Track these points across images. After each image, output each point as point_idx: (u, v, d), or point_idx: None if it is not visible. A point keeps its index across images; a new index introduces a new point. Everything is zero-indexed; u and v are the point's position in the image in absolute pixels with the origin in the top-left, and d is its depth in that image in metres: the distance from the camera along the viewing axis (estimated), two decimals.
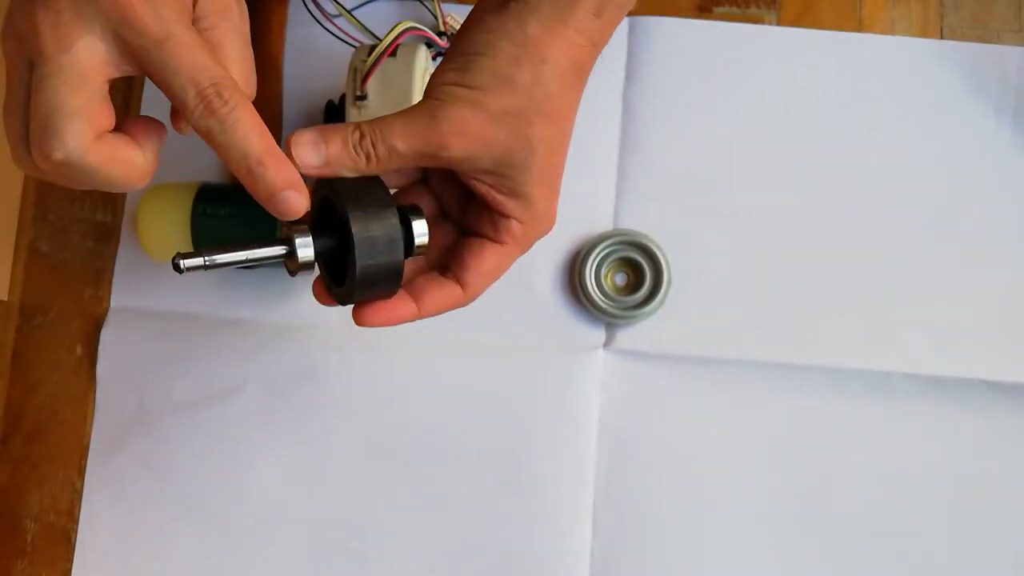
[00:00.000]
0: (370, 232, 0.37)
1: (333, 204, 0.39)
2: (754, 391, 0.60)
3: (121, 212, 0.63)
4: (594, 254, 0.60)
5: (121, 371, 0.61)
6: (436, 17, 0.62)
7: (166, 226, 0.56)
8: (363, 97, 0.54)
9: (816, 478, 0.59)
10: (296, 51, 0.63)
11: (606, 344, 0.61)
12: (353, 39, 0.61)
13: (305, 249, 0.38)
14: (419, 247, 0.40)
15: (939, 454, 0.59)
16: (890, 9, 0.64)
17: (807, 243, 0.61)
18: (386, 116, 0.39)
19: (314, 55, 0.63)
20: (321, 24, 0.62)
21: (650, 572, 0.59)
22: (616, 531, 0.59)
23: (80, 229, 0.63)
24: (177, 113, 0.37)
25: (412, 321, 0.42)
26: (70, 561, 0.60)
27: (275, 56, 0.62)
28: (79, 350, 0.62)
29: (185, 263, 0.37)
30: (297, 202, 0.36)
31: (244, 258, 0.38)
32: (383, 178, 0.40)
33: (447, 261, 0.43)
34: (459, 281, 0.42)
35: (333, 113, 0.59)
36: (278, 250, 0.38)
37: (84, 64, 0.35)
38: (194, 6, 0.38)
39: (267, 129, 0.36)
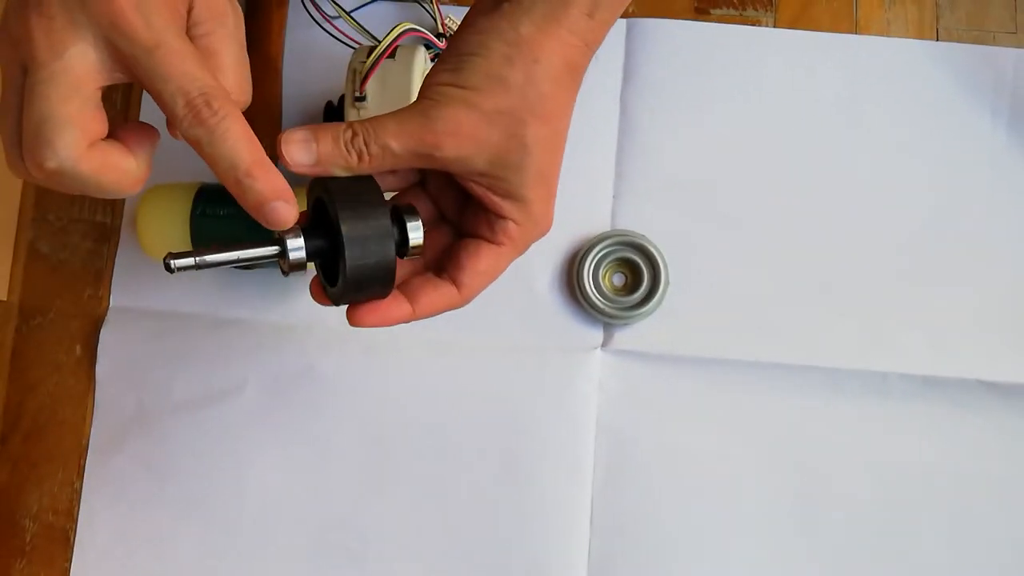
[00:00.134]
0: (360, 232, 0.37)
1: (325, 204, 0.39)
2: (752, 391, 0.60)
3: (121, 213, 0.63)
4: (592, 255, 0.60)
5: (120, 371, 0.61)
6: (435, 19, 0.62)
7: (165, 226, 0.56)
8: (362, 98, 0.54)
9: (814, 478, 0.59)
10: (295, 53, 0.63)
11: (604, 344, 0.61)
12: (352, 41, 0.62)
13: (296, 249, 0.38)
14: (414, 247, 0.40)
15: (937, 454, 0.59)
16: (886, 11, 0.64)
17: (804, 244, 0.61)
18: (379, 116, 0.39)
19: (313, 57, 0.63)
20: (320, 26, 0.62)
21: (648, 571, 0.59)
22: (614, 530, 0.59)
23: (80, 229, 0.63)
24: None
25: (407, 322, 0.42)
26: (69, 561, 0.60)
27: (274, 58, 0.62)
28: (79, 350, 0.62)
29: (176, 263, 0.37)
30: (286, 212, 0.36)
31: (236, 258, 0.38)
32: (378, 179, 0.40)
33: (443, 262, 0.43)
34: (455, 282, 0.42)
35: (332, 114, 0.59)
36: (270, 250, 0.38)
37: (76, 71, 0.35)
38: (189, 13, 0.37)
39: (257, 139, 0.36)
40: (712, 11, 0.64)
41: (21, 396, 0.62)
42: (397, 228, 0.40)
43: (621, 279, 0.62)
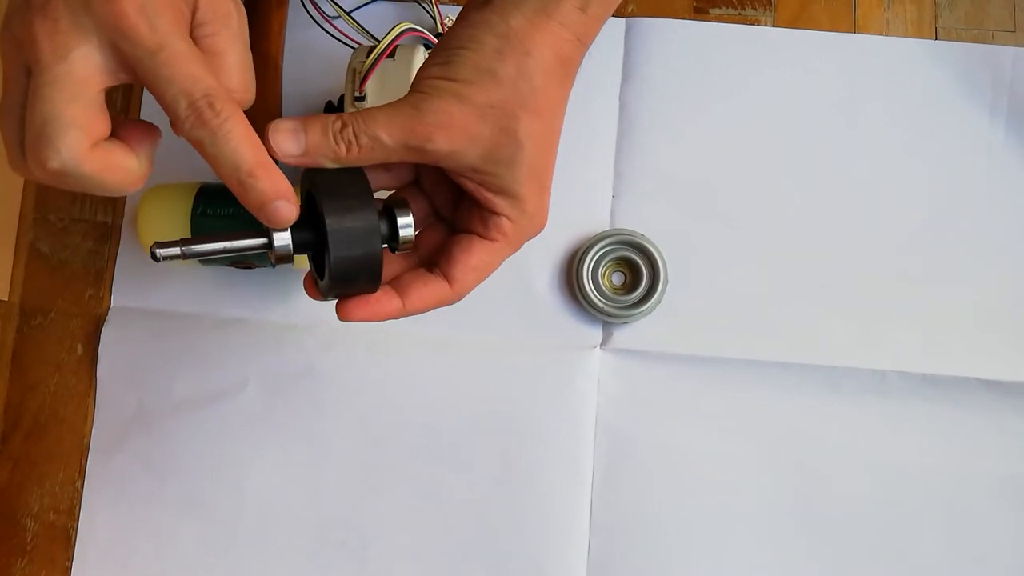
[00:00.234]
0: (345, 224, 0.37)
1: (315, 197, 0.39)
2: (751, 390, 0.60)
3: (121, 212, 0.63)
4: (591, 254, 0.60)
5: (121, 371, 0.62)
6: (434, 18, 0.62)
7: (166, 226, 0.56)
8: (362, 98, 0.54)
9: (813, 477, 0.59)
10: (295, 53, 0.63)
11: (603, 343, 0.61)
12: (352, 40, 0.62)
13: (283, 241, 0.38)
14: (404, 240, 0.40)
15: (936, 453, 0.59)
16: (885, 10, 0.64)
17: (802, 242, 0.62)
18: (370, 108, 0.39)
19: (313, 56, 0.63)
20: (320, 26, 0.62)
21: (647, 570, 0.59)
22: (613, 529, 0.59)
23: (80, 229, 0.63)
24: None
25: (398, 317, 0.41)
26: (70, 560, 0.60)
27: (274, 58, 0.62)
28: (79, 350, 0.62)
29: (161, 252, 0.37)
30: (287, 211, 0.36)
31: (222, 248, 0.38)
32: (374, 178, 0.40)
33: (436, 258, 0.42)
34: (446, 276, 0.41)
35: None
36: (257, 242, 0.38)
37: (80, 73, 0.35)
38: (194, 14, 0.38)
39: (259, 140, 0.36)
40: (711, 11, 0.64)
41: (22, 396, 0.62)
42: (387, 222, 0.40)
43: (620, 278, 0.62)
